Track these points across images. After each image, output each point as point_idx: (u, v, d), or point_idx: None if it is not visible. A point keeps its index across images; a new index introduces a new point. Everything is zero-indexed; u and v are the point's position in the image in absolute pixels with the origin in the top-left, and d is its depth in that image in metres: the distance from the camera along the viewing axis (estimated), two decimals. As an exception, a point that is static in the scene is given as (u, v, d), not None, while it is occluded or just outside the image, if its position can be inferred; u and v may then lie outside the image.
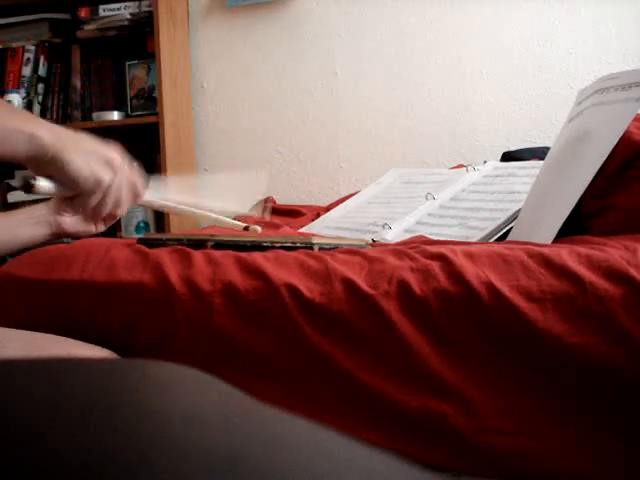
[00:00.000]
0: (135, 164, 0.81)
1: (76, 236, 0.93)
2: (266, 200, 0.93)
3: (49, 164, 0.67)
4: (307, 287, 0.70)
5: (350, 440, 0.21)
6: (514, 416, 0.65)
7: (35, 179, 0.69)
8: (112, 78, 2.27)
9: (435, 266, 0.71)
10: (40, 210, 0.92)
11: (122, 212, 0.76)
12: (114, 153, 0.72)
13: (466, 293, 0.68)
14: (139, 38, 2.22)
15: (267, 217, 0.94)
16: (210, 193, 0.93)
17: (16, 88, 2.23)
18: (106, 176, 0.70)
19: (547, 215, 0.95)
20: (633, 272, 0.67)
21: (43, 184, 0.70)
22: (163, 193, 0.86)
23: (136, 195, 0.77)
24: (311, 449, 0.20)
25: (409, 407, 0.66)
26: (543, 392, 0.66)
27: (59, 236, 0.92)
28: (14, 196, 2.22)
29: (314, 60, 2.25)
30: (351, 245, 0.87)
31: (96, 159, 0.70)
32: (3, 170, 2.28)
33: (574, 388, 0.65)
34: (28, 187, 0.70)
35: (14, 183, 2.23)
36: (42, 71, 2.27)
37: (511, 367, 0.66)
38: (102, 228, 0.96)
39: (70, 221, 0.92)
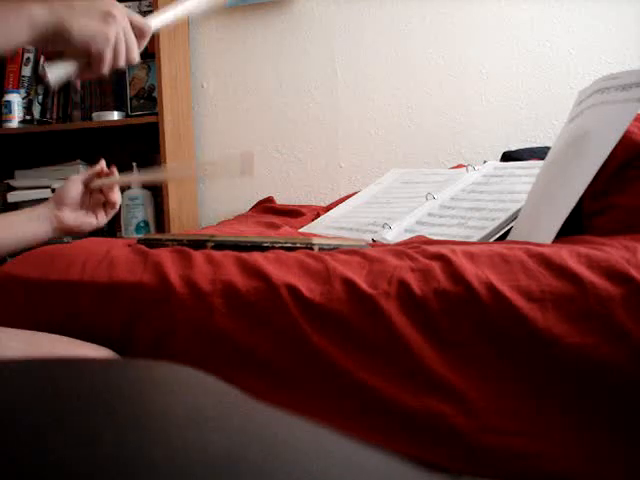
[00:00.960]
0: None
1: (78, 230, 0.93)
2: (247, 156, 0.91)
3: (54, 39, 0.69)
4: (307, 287, 0.70)
5: (350, 440, 0.21)
6: (514, 416, 0.65)
7: (43, 68, 0.72)
8: (112, 78, 2.27)
9: (435, 266, 0.71)
10: (40, 208, 0.93)
11: (136, 56, 0.78)
12: (108, 3, 0.75)
13: (466, 293, 0.68)
14: (139, 38, 2.22)
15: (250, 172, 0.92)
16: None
17: (16, 88, 2.23)
18: (110, 28, 0.73)
19: (547, 215, 0.95)
20: (633, 272, 0.67)
21: (54, 70, 0.73)
22: (163, 13, 0.87)
23: (142, 33, 0.79)
24: (311, 449, 0.20)
25: (409, 407, 0.66)
26: (543, 392, 0.66)
27: (61, 231, 0.92)
28: (14, 196, 2.22)
29: (314, 60, 2.25)
30: (351, 245, 0.87)
31: (94, 17, 0.72)
32: (3, 170, 2.28)
33: (574, 388, 0.65)
34: (41, 78, 0.74)
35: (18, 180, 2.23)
36: (42, 71, 2.27)
37: (511, 367, 0.66)
38: (104, 220, 0.96)
39: (71, 215, 0.93)
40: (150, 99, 2.20)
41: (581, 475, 0.64)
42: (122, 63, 0.76)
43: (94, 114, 2.19)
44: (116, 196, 0.96)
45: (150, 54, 2.15)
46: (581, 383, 0.65)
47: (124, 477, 0.17)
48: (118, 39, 0.74)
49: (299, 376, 0.69)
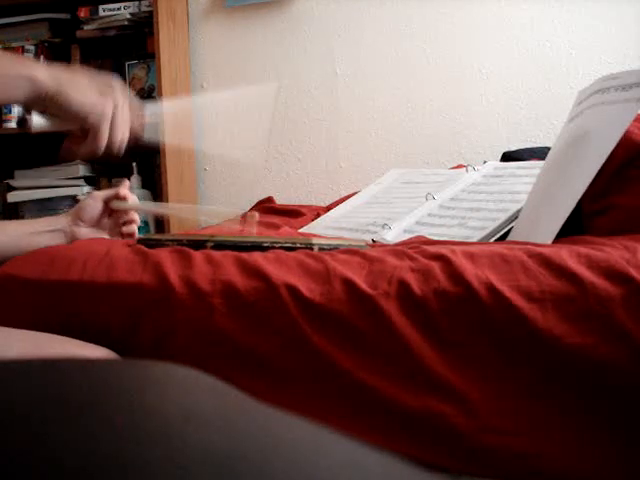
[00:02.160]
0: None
1: None
2: (252, 211, 0.94)
3: (52, 103, 0.70)
4: (307, 287, 0.70)
5: (350, 440, 0.21)
6: (514, 416, 0.65)
7: (30, 115, 0.72)
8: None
9: (435, 266, 0.71)
10: (57, 220, 0.93)
11: (125, 138, 0.77)
12: (110, 81, 0.74)
13: (466, 293, 0.68)
14: (139, 38, 2.22)
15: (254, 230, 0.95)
16: (212, 115, 0.94)
17: (16, 88, 2.23)
18: (108, 105, 0.72)
19: (547, 215, 0.95)
20: (633, 272, 0.67)
21: (38, 120, 0.73)
22: (159, 111, 0.87)
23: (137, 114, 0.79)
24: (311, 449, 0.20)
25: (409, 407, 0.66)
26: (543, 392, 0.66)
27: None
28: (14, 196, 2.22)
29: (314, 60, 2.25)
30: (351, 245, 0.87)
31: (94, 91, 0.72)
32: (3, 170, 2.28)
33: (574, 388, 0.65)
34: (23, 124, 0.74)
35: (14, 182, 2.23)
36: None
37: (511, 367, 0.66)
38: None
39: (86, 231, 0.93)
40: (150, 99, 2.20)
41: (581, 475, 0.64)
42: (119, 141, 0.75)
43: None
44: (134, 227, 0.96)
45: (150, 54, 2.15)
46: (581, 383, 0.65)
47: (124, 477, 0.17)
48: (115, 116, 0.73)
49: (299, 376, 0.69)
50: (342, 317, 0.68)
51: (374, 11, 2.20)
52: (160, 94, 2.07)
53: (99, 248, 0.80)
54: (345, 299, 0.69)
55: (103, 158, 0.78)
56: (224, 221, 1.10)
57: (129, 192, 0.95)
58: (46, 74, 0.69)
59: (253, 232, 0.92)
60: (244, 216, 1.00)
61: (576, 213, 0.92)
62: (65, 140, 0.77)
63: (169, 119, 0.89)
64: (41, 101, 0.69)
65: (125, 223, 0.96)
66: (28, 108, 0.71)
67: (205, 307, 0.70)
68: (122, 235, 0.96)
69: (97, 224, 0.94)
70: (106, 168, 2.27)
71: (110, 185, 2.18)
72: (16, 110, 2.21)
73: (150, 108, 0.84)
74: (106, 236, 0.96)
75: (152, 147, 0.88)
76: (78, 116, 0.71)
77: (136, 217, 0.97)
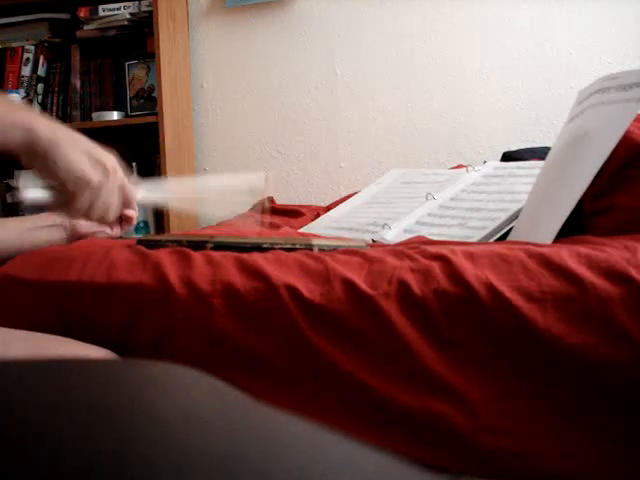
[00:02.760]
0: (130, 170, 0.81)
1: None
2: (264, 206, 0.94)
3: (42, 158, 0.67)
4: (307, 288, 0.70)
5: (350, 440, 0.21)
6: (514, 416, 0.65)
7: (21, 193, 0.70)
8: (112, 78, 2.27)
9: (435, 266, 0.71)
10: (56, 215, 0.93)
11: (111, 217, 0.75)
12: (108, 157, 0.72)
13: (466, 293, 0.68)
14: (139, 38, 2.22)
15: (265, 222, 0.95)
16: (207, 197, 0.94)
17: (16, 88, 2.23)
18: (96, 177, 0.70)
19: (547, 215, 0.95)
20: (633, 272, 0.67)
21: (30, 195, 0.71)
22: (158, 195, 0.86)
23: (127, 202, 0.77)
24: (311, 449, 0.20)
25: (409, 407, 0.66)
26: (543, 392, 0.66)
27: (75, 239, 0.93)
28: (14, 196, 2.22)
29: (314, 60, 2.25)
30: (351, 245, 0.87)
31: (89, 159, 0.69)
32: (3, 170, 2.28)
33: (574, 388, 0.65)
34: (15, 194, 0.72)
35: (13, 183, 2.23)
36: (42, 71, 2.27)
37: (511, 367, 0.66)
38: (118, 232, 0.96)
39: (85, 223, 0.93)
40: (150, 99, 2.20)
41: (581, 475, 0.64)
42: (95, 217, 0.73)
43: (94, 114, 2.19)
44: (132, 212, 0.96)
45: (150, 54, 2.15)
46: (581, 383, 0.65)
47: (124, 477, 0.17)
48: (100, 192, 0.71)
49: (299, 376, 0.69)
50: (342, 317, 0.68)
51: (374, 11, 2.20)
52: (160, 94, 2.07)
53: (99, 248, 0.80)
54: (345, 299, 0.69)
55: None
56: (238, 216, 1.09)
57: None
58: (45, 127, 0.66)
59: (267, 221, 0.91)
60: (253, 210, 1.00)
61: (576, 213, 0.92)
62: (49, 205, 0.75)
63: (168, 198, 0.88)
64: (31, 154, 0.66)
65: (124, 216, 0.96)
66: (16, 157, 0.68)
67: (205, 307, 0.70)
68: (121, 223, 0.96)
69: None
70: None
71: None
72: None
73: (147, 187, 0.83)
74: (105, 227, 0.95)
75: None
76: (61, 177, 0.68)
77: (134, 211, 0.97)
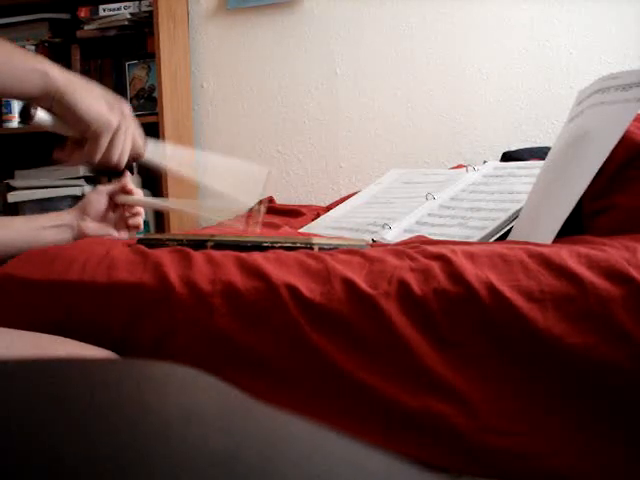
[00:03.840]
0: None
1: None
2: (261, 205, 0.95)
3: (60, 103, 0.69)
4: (307, 287, 0.70)
5: (350, 440, 0.21)
6: (514, 416, 0.65)
7: (35, 109, 0.71)
8: (112, 78, 2.27)
9: (435, 266, 0.71)
10: (63, 216, 0.93)
11: (124, 162, 0.77)
12: (122, 102, 0.74)
13: (466, 293, 0.68)
14: (139, 38, 2.22)
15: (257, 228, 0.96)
16: (208, 172, 0.95)
17: (16, 88, 2.23)
18: (114, 119, 0.72)
19: (547, 215, 0.95)
20: (633, 272, 0.67)
21: (42, 115, 0.72)
22: (161, 155, 0.87)
23: (137, 147, 0.78)
24: (311, 449, 0.20)
25: (409, 407, 0.66)
26: (543, 392, 0.66)
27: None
28: (14, 196, 2.22)
29: (314, 60, 2.25)
30: (351, 245, 0.87)
31: (105, 103, 0.72)
32: (3, 170, 2.28)
33: (574, 388, 0.65)
34: (26, 116, 0.72)
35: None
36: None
37: (511, 367, 0.66)
38: (125, 236, 0.97)
39: (93, 226, 0.94)
40: (150, 99, 2.20)
41: (581, 475, 0.64)
42: (114, 158, 0.75)
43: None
44: (139, 219, 0.97)
45: (150, 54, 2.15)
46: (581, 383, 0.65)
47: (123, 477, 0.17)
48: (118, 133, 0.73)
49: (299, 376, 0.69)
50: (342, 317, 0.68)
51: (374, 11, 2.20)
52: (160, 94, 2.07)
53: (99, 248, 0.80)
54: (345, 299, 0.69)
55: (98, 168, 0.78)
56: (229, 218, 1.10)
57: (134, 186, 0.96)
58: (60, 73, 0.69)
59: (257, 230, 0.92)
60: (250, 212, 1.00)
61: (576, 213, 0.92)
62: (56, 148, 0.77)
63: (171, 162, 0.89)
64: (50, 98, 0.69)
65: (130, 216, 0.97)
66: (36, 104, 0.71)
67: (205, 307, 0.70)
68: (128, 228, 0.97)
69: (103, 218, 0.95)
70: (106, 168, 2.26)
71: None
72: (16, 110, 2.21)
73: (152, 146, 0.84)
74: (112, 230, 0.96)
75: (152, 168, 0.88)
76: (82, 121, 0.71)
77: (141, 210, 0.98)
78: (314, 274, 0.72)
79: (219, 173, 0.95)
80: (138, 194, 0.97)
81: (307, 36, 2.25)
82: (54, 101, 0.69)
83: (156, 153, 0.86)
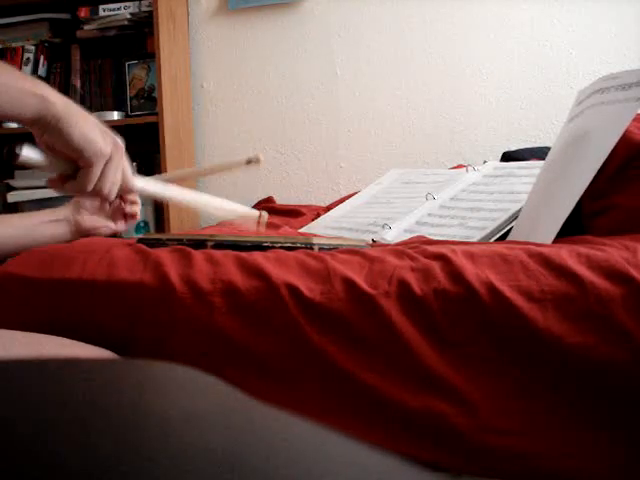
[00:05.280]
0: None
1: (95, 233, 0.94)
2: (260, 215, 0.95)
3: (55, 128, 0.68)
4: (307, 287, 0.70)
5: (350, 440, 0.21)
6: (514, 416, 0.65)
7: (20, 148, 0.70)
8: (112, 78, 2.27)
9: (435, 266, 0.71)
10: (60, 211, 0.94)
11: (114, 194, 0.77)
12: (116, 136, 0.74)
13: (466, 293, 0.68)
14: (139, 38, 2.22)
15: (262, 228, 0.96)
16: (202, 203, 0.95)
17: (16, 88, 2.23)
18: (108, 148, 0.72)
19: (547, 215, 0.95)
20: (633, 272, 0.67)
21: (28, 153, 0.71)
22: (151, 192, 0.87)
23: (127, 181, 0.78)
24: (311, 449, 0.20)
25: (409, 407, 0.66)
26: (543, 392, 0.66)
27: (79, 234, 0.93)
28: (14, 196, 2.22)
29: (314, 60, 2.25)
30: (351, 245, 0.87)
31: (100, 132, 0.71)
32: (3, 170, 2.28)
33: (574, 388, 0.65)
34: (11, 155, 0.71)
35: (13, 183, 2.23)
36: (42, 71, 2.27)
37: (511, 367, 0.66)
38: (122, 228, 0.97)
39: (89, 218, 0.94)
40: (150, 99, 2.20)
41: (581, 475, 0.64)
42: (106, 189, 0.74)
43: (94, 114, 2.18)
44: (136, 207, 0.97)
45: (150, 54, 2.15)
46: (581, 383, 0.65)
47: (124, 477, 0.17)
48: (111, 163, 0.72)
49: (299, 376, 0.69)
50: (342, 317, 0.68)
51: (374, 11, 2.20)
52: (160, 94, 2.07)
53: (99, 247, 0.80)
54: (345, 299, 0.69)
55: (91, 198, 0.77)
56: (239, 219, 1.11)
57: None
58: (58, 98, 0.68)
59: (261, 230, 0.93)
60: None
61: (576, 213, 0.92)
62: (48, 179, 0.76)
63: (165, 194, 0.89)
64: (46, 123, 0.67)
65: (128, 204, 0.97)
66: (28, 127, 0.69)
67: (205, 306, 0.70)
68: (125, 217, 0.97)
69: (99, 211, 0.95)
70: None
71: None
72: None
73: (141, 182, 0.83)
74: (109, 222, 0.96)
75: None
76: (75, 148, 0.69)
77: (137, 199, 0.98)
78: (314, 274, 0.72)
79: (213, 212, 0.96)
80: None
81: (307, 36, 2.25)
82: (49, 126, 0.68)
83: (145, 189, 0.85)
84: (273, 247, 0.82)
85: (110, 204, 0.96)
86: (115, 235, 0.99)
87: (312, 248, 0.82)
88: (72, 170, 0.73)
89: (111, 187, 0.74)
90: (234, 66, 2.32)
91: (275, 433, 0.21)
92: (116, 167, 0.74)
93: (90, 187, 0.73)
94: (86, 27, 2.22)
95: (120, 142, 0.74)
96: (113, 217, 0.97)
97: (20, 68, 2.25)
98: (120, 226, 0.97)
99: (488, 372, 0.66)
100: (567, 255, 0.71)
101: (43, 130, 0.68)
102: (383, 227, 1.25)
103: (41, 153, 0.72)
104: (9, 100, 0.65)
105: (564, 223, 0.88)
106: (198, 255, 0.76)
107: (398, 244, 0.95)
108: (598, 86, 1.00)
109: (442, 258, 0.73)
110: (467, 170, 1.41)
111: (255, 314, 0.70)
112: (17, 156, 0.70)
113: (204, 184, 2.34)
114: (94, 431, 0.19)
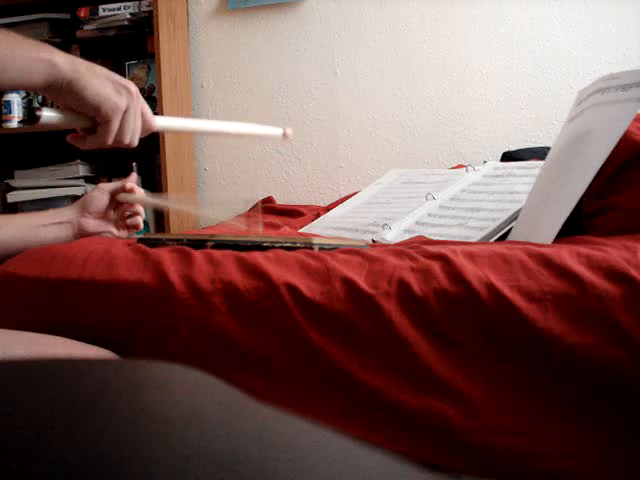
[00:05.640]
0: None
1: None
2: (257, 208, 0.96)
3: (67, 91, 0.69)
4: (307, 287, 0.70)
5: (350, 440, 0.21)
6: (514, 416, 0.65)
7: (40, 110, 0.71)
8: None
9: (435, 266, 0.71)
10: (64, 213, 0.94)
11: (136, 141, 0.77)
12: (128, 81, 0.74)
13: (466, 293, 0.68)
14: (139, 38, 2.22)
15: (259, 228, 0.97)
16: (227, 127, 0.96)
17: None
18: (122, 101, 0.72)
19: (547, 215, 0.95)
20: (633, 272, 0.67)
21: (48, 114, 0.72)
22: (172, 128, 0.88)
23: (147, 123, 0.78)
24: (311, 449, 0.20)
25: (409, 407, 0.66)
26: (543, 392, 0.66)
27: (81, 237, 0.93)
28: (14, 196, 2.22)
29: (314, 60, 2.25)
30: (351, 245, 0.87)
31: (112, 85, 0.72)
32: (3, 170, 2.28)
33: (574, 388, 0.65)
34: (33, 117, 0.72)
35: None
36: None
37: (511, 367, 0.66)
38: (124, 235, 0.97)
39: (93, 223, 0.94)
40: (150, 99, 2.20)
41: (581, 475, 0.64)
42: (127, 139, 0.75)
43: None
44: (140, 219, 0.97)
45: (150, 54, 2.15)
46: (581, 383, 0.65)
47: (124, 477, 0.17)
48: (128, 113, 0.73)
49: (299, 376, 0.69)
50: (342, 317, 0.68)
51: (374, 11, 2.20)
52: (160, 94, 2.07)
53: (99, 246, 0.80)
54: (345, 299, 0.69)
55: (110, 150, 0.78)
56: (231, 219, 1.11)
57: (136, 185, 0.96)
58: (66, 60, 0.69)
59: (259, 230, 0.93)
60: (249, 211, 1.01)
61: (576, 213, 0.92)
62: (69, 135, 0.77)
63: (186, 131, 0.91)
64: (58, 87, 0.68)
65: (130, 215, 0.97)
66: (42, 94, 0.71)
67: (205, 306, 0.70)
68: (127, 227, 0.97)
69: (103, 216, 0.95)
70: (106, 168, 2.27)
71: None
72: (16, 110, 2.21)
73: (162, 120, 0.84)
74: (112, 228, 0.96)
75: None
76: (92, 106, 0.70)
77: (141, 210, 0.98)
78: (314, 274, 0.72)
79: (238, 128, 0.97)
80: (140, 193, 0.97)
81: (307, 36, 2.25)
82: (61, 90, 0.69)
83: (166, 127, 0.87)
84: (273, 247, 0.82)
85: (115, 209, 0.96)
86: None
87: (312, 248, 0.82)
88: (93, 123, 0.74)
89: (132, 135, 0.75)
90: (234, 66, 2.32)
91: (275, 433, 0.21)
92: (134, 116, 0.74)
93: (110, 140, 0.74)
94: (86, 27, 2.22)
95: (133, 88, 0.74)
96: (117, 224, 0.97)
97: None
98: (122, 234, 0.97)
99: (488, 372, 0.66)
100: (567, 255, 0.71)
101: (57, 94, 0.69)
102: (383, 227, 1.25)
103: (60, 112, 0.73)
104: (18, 70, 0.65)
105: (564, 223, 0.88)
106: (198, 255, 0.76)
107: (398, 244, 0.95)
108: (598, 86, 1.00)
109: (442, 258, 0.73)
110: (467, 170, 1.41)
111: (255, 314, 0.70)
112: (38, 118, 0.71)
113: (204, 184, 2.34)
114: (94, 432, 0.19)
